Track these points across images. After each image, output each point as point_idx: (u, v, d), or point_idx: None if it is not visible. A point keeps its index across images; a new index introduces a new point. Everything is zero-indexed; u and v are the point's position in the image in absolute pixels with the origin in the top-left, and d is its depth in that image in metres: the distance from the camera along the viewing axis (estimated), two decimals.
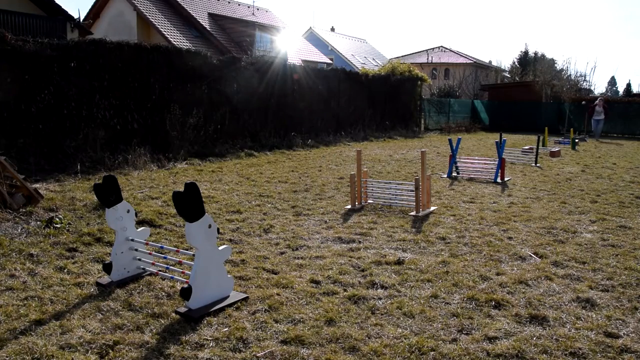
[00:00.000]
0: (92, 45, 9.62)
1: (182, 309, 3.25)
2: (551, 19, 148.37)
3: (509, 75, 42.00)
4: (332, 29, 45.18)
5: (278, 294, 3.55)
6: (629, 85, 68.92)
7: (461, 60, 42.32)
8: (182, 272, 3.67)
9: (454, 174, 9.21)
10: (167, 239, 4.89)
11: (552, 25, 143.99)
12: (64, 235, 4.79)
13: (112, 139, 9.62)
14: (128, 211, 3.82)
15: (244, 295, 3.50)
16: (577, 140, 15.75)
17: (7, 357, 2.66)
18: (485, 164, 9.39)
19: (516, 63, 44.73)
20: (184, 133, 10.83)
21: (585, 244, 4.96)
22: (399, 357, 2.77)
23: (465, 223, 5.75)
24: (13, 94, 8.55)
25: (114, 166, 8.72)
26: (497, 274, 4.06)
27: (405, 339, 2.96)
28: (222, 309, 3.31)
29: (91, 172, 8.25)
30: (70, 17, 18.20)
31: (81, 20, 19.37)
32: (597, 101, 20.55)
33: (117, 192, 3.74)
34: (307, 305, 3.41)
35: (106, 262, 3.78)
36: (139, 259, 3.86)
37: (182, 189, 3.17)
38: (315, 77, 15.68)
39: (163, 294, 3.54)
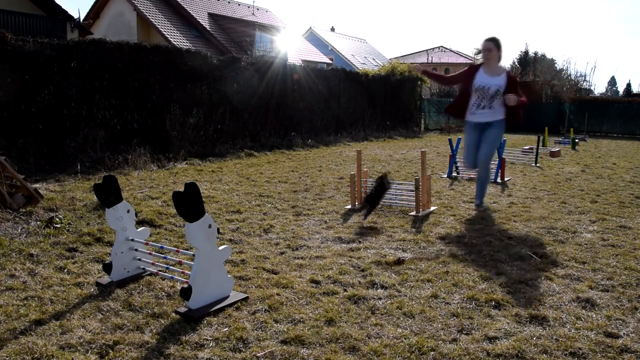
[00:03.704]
0: (92, 45, 9.63)
1: (182, 309, 3.25)
2: (551, 19, 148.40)
3: None
4: (332, 29, 45.23)
5: (278, 294, 3.55)
6: (629, 85, 68.95)
7: (461, 60, 42.38)
8: (182, 272, 3.66)
9: (454, 174, 9.20)
10: (167, 239, 4.89)
11: (552, 25, 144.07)
12: (64, 235, 4.79)
13: (112, 139, 9.62)
14: (128, 211, 3.82)
15: (244, 295, 3.50)
16: (577, 141, 15.75)
17: (7, 357, 2.66)
18: None
19: (516, 63, 44.72)
20: (184, 133, 10.83)
21: (585, 244, 4.96)
22: (399, 357, 2.77)
23: (465, 223, 5.74)
24: (13, 94, 8.56)
25: (114, 166, 8.72)
26: (497, 274, 4.06)
27: (405, 339, 2.96)
28: (222, 309, 3.30)
29: (91, 172, 8.25)
30: (70, 17, 18.23)
31: (81, 20, 19.39)
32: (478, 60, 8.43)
33: (117, 192, 3.74)
34: (307, 305, 3.40)
35: (106, 262, 3.77)
36: (139, 259, 3.86)
37: (182, 189, 3.17)
38: (315, 77, 15.68)
39: (163, 294, 3.54)
